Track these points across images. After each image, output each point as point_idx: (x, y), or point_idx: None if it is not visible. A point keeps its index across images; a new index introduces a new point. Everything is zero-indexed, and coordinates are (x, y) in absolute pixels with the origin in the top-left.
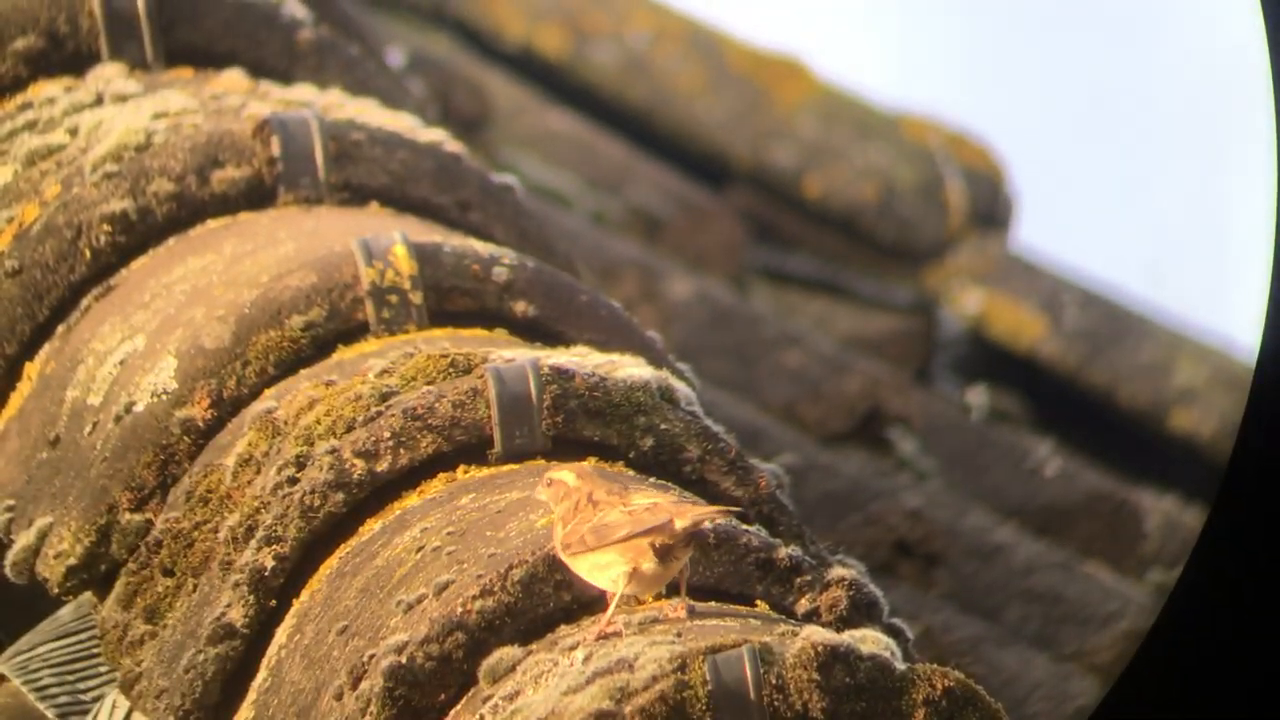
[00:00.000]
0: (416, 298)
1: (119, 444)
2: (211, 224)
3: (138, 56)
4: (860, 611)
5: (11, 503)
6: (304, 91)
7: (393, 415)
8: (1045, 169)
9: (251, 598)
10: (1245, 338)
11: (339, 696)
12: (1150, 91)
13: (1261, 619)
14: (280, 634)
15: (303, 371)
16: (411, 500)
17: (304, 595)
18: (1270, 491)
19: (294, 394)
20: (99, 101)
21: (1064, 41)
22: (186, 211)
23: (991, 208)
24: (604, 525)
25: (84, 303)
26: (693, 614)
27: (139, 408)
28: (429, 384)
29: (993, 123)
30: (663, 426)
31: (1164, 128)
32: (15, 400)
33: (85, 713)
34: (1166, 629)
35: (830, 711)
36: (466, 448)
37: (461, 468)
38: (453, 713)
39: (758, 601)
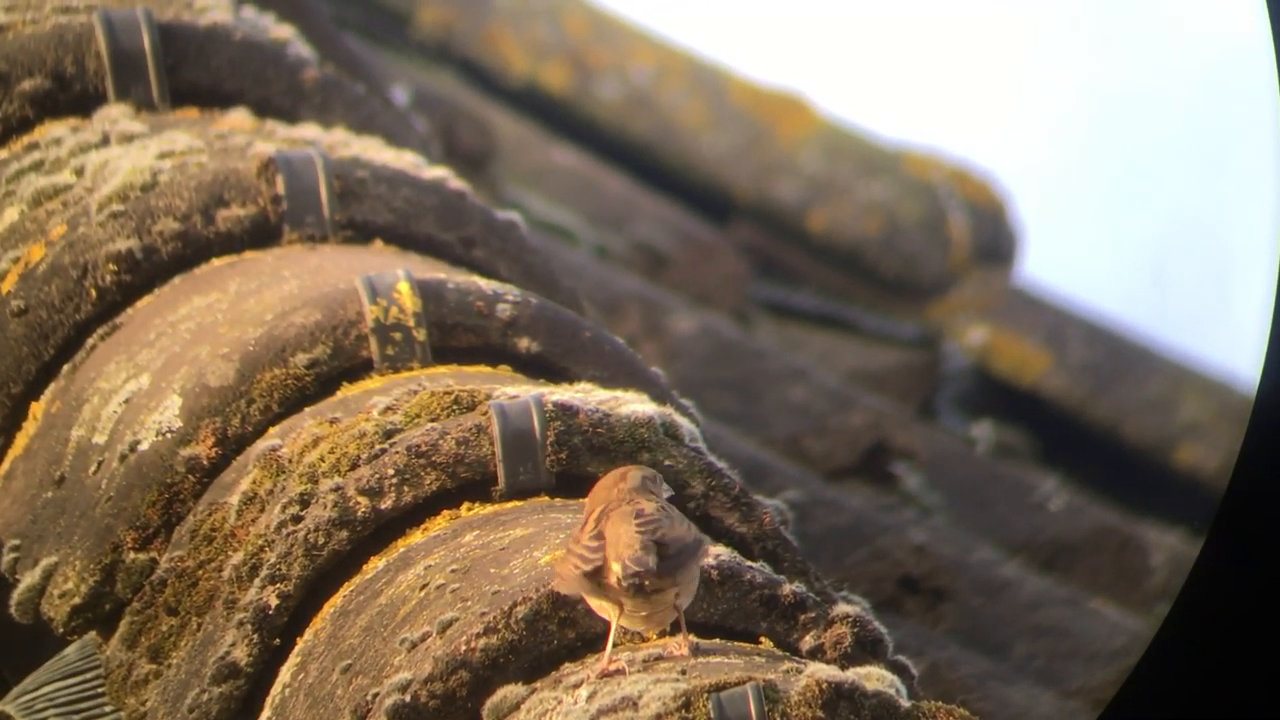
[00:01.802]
0: (421, 335)
1: (124, 483)
2: (217, 262)
3: (144, 97)
4: (865, 648)
5: (17, 542)
6: (309, 130)
7: (397, 452)
8: (1048, 202)
9: (255, 636)
10: (1251, 372)
11: None
12: (1154, 124)
13: (1256, 648)
14: (284, 673)
15: (307, 409)
16: (415, 537)
17: (308, 634)
18: (1267, 522)
19: (298, 432)
20: (105, 142)
21: (1065, 75)
22: (192, 250)
23: (995, 242)
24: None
25: (89, 342)
26: (696, 651)
27: (144, 446)
28: (433, 421)
29: (994, 157)
30: (666, 463)
31: (1168, 160)
32: (21, 440)
33: None
34: (1157, 659)
35: None
36: (470, 485)
37: (465, 505)
38: None
39: (762, 638)
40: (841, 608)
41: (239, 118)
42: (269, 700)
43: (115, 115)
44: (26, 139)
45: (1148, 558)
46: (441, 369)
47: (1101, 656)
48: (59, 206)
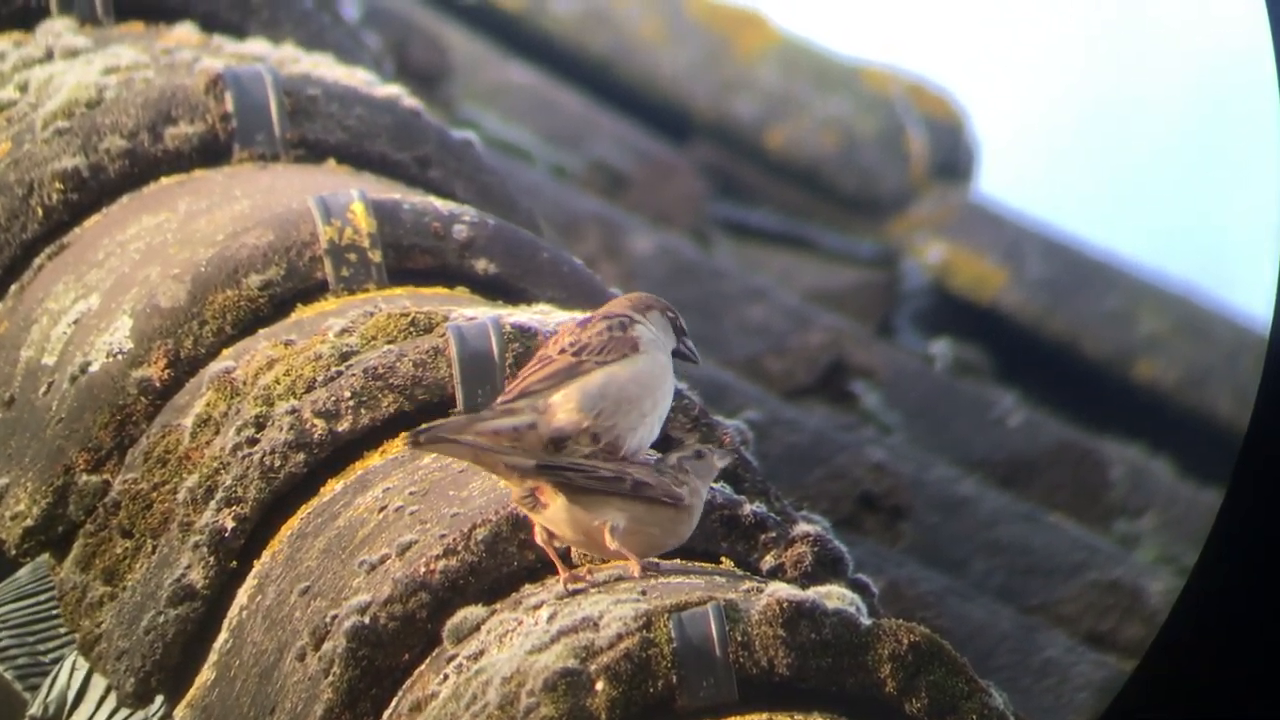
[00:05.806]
0: (376, 256)
1: (75, 404)
2: (165, 181)
3: (87, 10)
4: (825, 567)
5: None
6: (257, 46)
7: (353, 375)
8: (1004, 117)
9: (212, 559)
10: (1209, 285)
11: (301, 657)
12: (1110, 34)
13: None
14: (241, 595)
15: (261, 331)
16: (373, 460)
17: (265, 556)
18: None
19: (253, 354)
20: (49, 56)
21: None
22: (140, 168)
23: (952, 157)
24: None
25: (37, 261)
26: (657, 571)
27: (94, 368)
28: (390, 343)
29: (951, 71)
30: None
31: (1126, 71)
32: None
33: (45, 674)
34: (1186, 615)
35: (796, 667)
36: (428, 407)
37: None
38: (416, 672)
39: (723, 558)
40: (801, 527)
41: (185, 32)
42: (226, 622)
43: (59, 29)
44: None
45: (1106, 472)
46: (398, 290)
47: (1061, 572)
48: (3, 123)
